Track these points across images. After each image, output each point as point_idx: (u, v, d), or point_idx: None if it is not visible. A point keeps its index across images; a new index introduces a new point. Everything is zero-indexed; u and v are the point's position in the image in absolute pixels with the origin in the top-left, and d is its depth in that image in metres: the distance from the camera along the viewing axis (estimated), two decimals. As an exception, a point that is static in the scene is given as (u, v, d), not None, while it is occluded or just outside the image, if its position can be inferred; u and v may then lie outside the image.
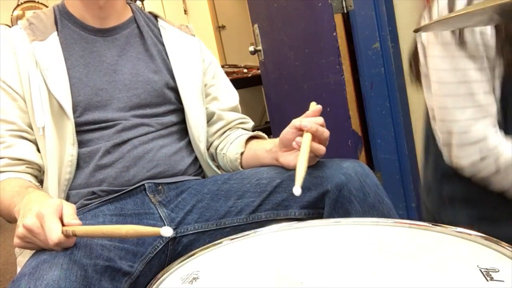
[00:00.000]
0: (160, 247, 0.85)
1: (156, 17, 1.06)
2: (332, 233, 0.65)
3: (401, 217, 1.69)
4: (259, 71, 2.33)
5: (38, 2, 4.55)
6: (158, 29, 1.03)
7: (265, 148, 0.91)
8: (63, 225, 0.65)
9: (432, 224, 0.61)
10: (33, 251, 0.69)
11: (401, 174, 1.69)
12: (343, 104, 1.74)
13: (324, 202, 0.80)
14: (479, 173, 0.79)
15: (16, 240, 0.68)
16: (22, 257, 0.83)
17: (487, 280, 0.45)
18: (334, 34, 1.70)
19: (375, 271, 0.51)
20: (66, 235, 0.64)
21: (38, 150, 0.88)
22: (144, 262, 0.81)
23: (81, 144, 0.89)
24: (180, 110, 1.00)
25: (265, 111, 2.91)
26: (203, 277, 0.55)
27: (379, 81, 1.65)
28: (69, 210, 0.68)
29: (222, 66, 2.78)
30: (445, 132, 0.82)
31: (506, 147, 0.76)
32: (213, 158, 1.06)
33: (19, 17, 4.34)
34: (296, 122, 0.80)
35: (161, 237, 0.85)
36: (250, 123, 1.09)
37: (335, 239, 0.63)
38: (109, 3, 0.95)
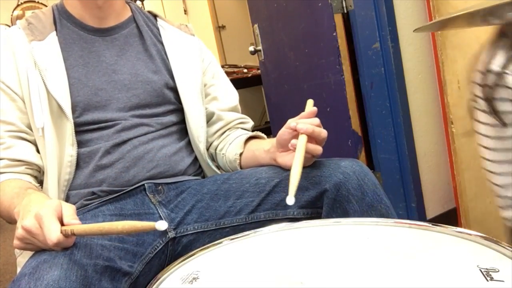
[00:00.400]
0: (160, 247, 0.85)
1: (155, 16, 1.06)
2: (332, 233, 0.65)
3: (401, 217, 1.70)
4: (259, 71, 2.33)
5: (38, 2, 4.54)
6: (158, 29, 1.03)
7: (263, 148, 0.91)
8: (63, 225, 0.66)
9: (432, 224, 0.61)
10: (33, 252, 0.69)
11: (401, 174, 1.69)
12: (343, 104, 1.74)
13: (322, 202, 0.80)
14: None
15: (15, 242, 0.68)
16: (22, 258, 0.83)
17: (487, 280, 0.44)
18: (334, 34, 1.70)
19: (375, 271, 0.51)
20: (65, 235, 0.64)
21: (38, 151, 0.88)
22: (144, 262, 0.81)
23: (80, 144, 0.89)
24: (180, 110, 1.00)
25: (265, 111, 2.91)
26: (203, 277, 0.55)
27: (379, 81, 1.65)
28: (69, 211, 0.68)
29: (222, 66, 2.78)
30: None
31: None
32: (213, 158, 1.06)
33: (19, 17, 4.33)
34: (291, 123, 0.79)
35: (160, 237, 0.85)
36: (250, 123, 1.09)
37: (335, 239, 0.63)
38: (108, 2, 0.95)
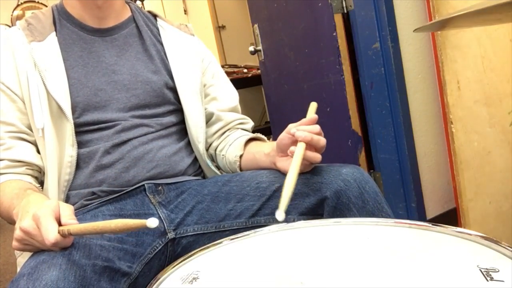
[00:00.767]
0: (159, 248, 0.84)
1: (155, 16, 1.06)
2: (332, 233, 0.65)
3: (401, 217, 1.70)
4: (259, 71, 2.33)
5: (38, 2, 4.54)
6: (157, 29, 1.03)
7: (264, 151, 0.90)
8: (61, 225, 0.66)
9: (432, 224, 0.61)
10: (33, 252, 0.69)
11: (401, 174, 1.69)
12: (343, 104, 1.74)
13: (323, 209, 0.80)
14: None
15: (14, 243, 0.68)
16: (22, 258, 0.83)
17: (487, 280, 0.44)
18: (334, 34, 1.70)
19: (375, 271, 0.51)
20: (63, 235, 0.65)
21: (38, 152, 0.88)
22: (143, 263, 0.80)
23: (80, 144, 0.89)
24: (179, 110, 0.99)
25: (265, 111, 2.91)
26: (203, 277, 0.55)
27: (379, 81, 1.65)
28: (67, 211, 0.68)
29: (222, 66, 2.77)
30: None
31: None
32: (213, 158, 1.06)
33: (19, 17, 4.33)
34: (292, 128, 0.78)
35: (160, 237, 0.85)
36: (250, 124, 1.08)
37: (335, 239, 0.63)
38: (108, 3, 0.95)
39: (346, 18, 1.71)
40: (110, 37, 0.96)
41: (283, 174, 0.85)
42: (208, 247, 0.64)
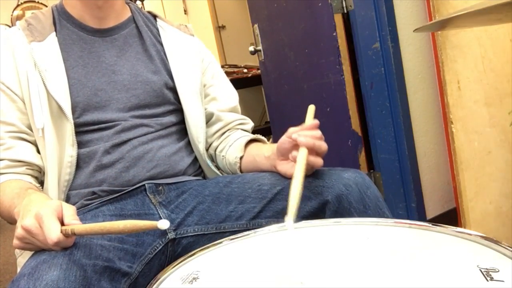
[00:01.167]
0: (159, 248, 0.84)
1: (155, 16, 1.06)
2: (332, 233, 0.65)
3: (401, 217, 1.70)
4: (259, 71, 2.33)
5: (38, 2, 4.54)
6: (157, 29, 1.03)
7: (264, 154, 0.90)
8: (63, 225, 0.66)
9: (432, 224, 0.61)
10: (33, 252, 0.69)
11: (401, 174, 1.69)
12: (343, 104, 1.74)
13: (324, 213, 0.80)
14: None
15: (15, 242, 0.68)
16: (22, 258, 0.83)
17: (487, 280, 0.44)
18: (334, 34, 1.70)
19: (375, 271, 0.51)
20: (65, 234, 0.65)
21: (38, 151, 0.88)
22: (143, 263, 0.80)
23: (80, 144, 0.89)
24: (179, 110, 0.99)
25: (265, 111, 2.90)
26: (203, 277, 0.55)
27: (379, 81, 1.65)
28: (69, 211, 0.68)
29: (222, 66, 2.78)
30: None
31: None
32: (212, 158, 1.06)
33: (19, 17, 4.34)
34: (293, 134, 0.78)
35: (160, 237, 0.85)
36: (250, 124, 1.08)
37: (335, 239, 0.63)
38: (108, 3, 0.95)
39: (346, 18, 1.71)
40: (110, 37, 0.96)
41: (284, 177, 0.85)
42: (208, 247, 0.64)
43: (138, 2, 3.06)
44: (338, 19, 1.69)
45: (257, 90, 3.16)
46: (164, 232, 0.86)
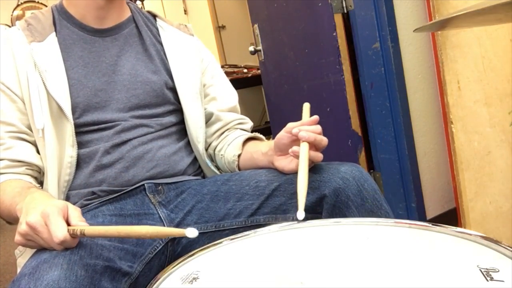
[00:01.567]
0: (159, 248, 0.84)
1: (154, 16, 1.06)
2: (332, 233, 0.65)
3: (401, 217, 1.70)
4: (259, 71, 2.33)
5: (38, 2, 4.54)
6: (157, 29, 1.03)
7: (261, 151, 0.91)
8: (69, 226, 0.66)
9: (432, 224, 0.61)
10: (33, 251, 0.69)
11: (401, 174, 1.69)
12: (343, 104, 1.74)
13: (322, 207, 0.80)
14: None
15: (17, 237, 0.68)
16: (22, 258, 0.83)
17: (487, 280, 0.44)
18: (334, 34, 1.70)
19: (375, 271, 0.51)
20: (73, 234, 0.65)
21: (38, 152, 0.88)
22: (143, 263, 0.81)
23: (80, 145, 0.89)
24: (179, 110, 0.99)
25: (265, 111, 2.91)
26: (203, 277, 0.55)
27: (379, 81, 1.65)
28: (75, 212, 0.68)
29: (222, 66, 2.78)
30: None
31: None
32: (212, 158, 1.06)
33: (19, 17, 4.34)
34: (293, 129, 0.78)
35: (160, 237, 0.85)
36: (249, 124, 1.09)
37: (335, 239, 0.63)
38: (111, 2, 0.95)
39: (346, 18, 1.71)
40: (110, 37, 0.96)
41: (281, 173, 0.85)
42: (208, 247, 0.64)
43: (138, 2, 3.06)
44: (338, 19, 1.69)
45: (257, 90, 3.16)
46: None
